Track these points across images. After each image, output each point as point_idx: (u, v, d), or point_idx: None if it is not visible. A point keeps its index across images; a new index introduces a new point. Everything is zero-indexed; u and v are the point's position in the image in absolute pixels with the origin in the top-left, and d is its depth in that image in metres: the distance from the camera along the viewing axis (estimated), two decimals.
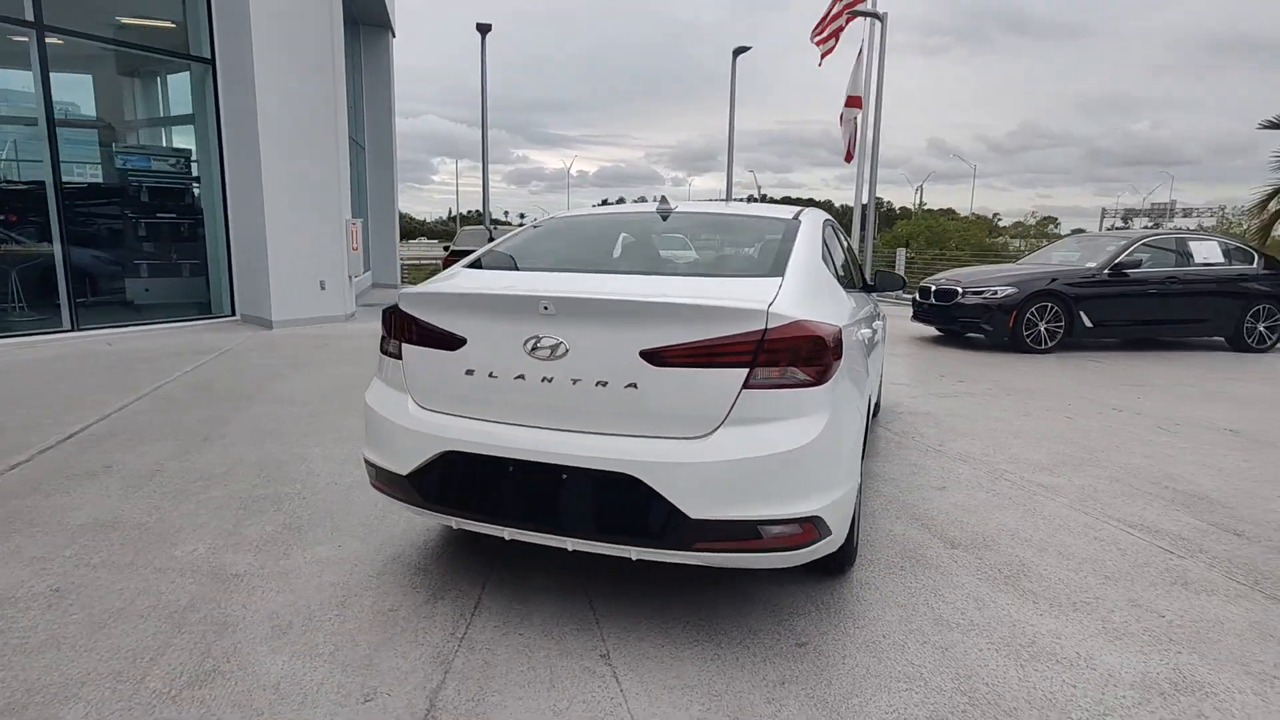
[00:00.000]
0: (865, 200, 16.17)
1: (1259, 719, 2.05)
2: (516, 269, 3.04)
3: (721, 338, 2.17)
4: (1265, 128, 13.06)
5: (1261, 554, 3.15)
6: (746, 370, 2.17)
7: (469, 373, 2.42)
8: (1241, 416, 5.67)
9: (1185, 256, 9.15)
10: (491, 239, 11.10)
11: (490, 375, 2.38)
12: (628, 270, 2.88)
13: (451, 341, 2.45)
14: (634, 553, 2.25)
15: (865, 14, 16.02)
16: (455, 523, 2.50)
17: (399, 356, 2.61)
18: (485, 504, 2.37)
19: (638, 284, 2.50)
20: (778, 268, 2.59)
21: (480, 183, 19.99)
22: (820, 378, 2.22)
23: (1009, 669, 2.28)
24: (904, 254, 17.84)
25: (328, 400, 5.60)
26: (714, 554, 2.21)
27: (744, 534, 2.15)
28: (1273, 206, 13.11)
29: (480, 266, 3.02)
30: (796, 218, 3.22)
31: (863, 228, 15.77)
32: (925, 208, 63.93)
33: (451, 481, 2.41)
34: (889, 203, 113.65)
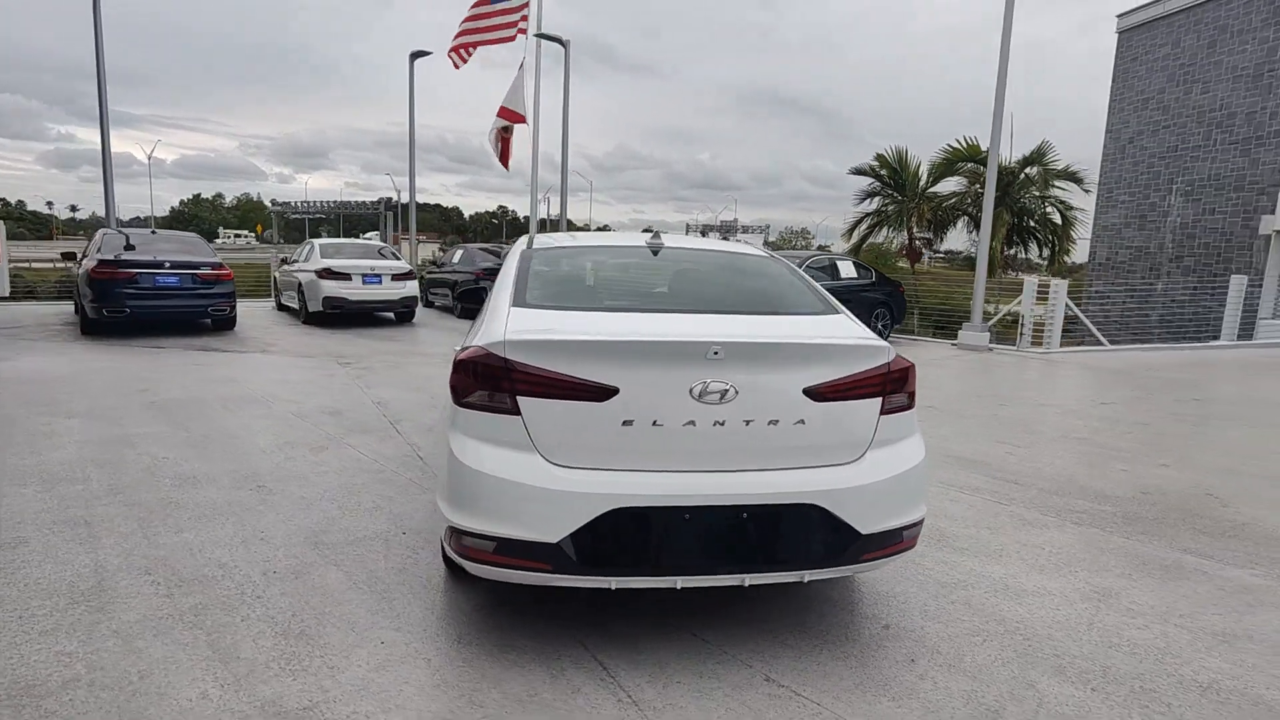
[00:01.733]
0: (554, 215, 17.13)
1: (1152, 603, 3.11)
2: (579, 309, 2.84)
3: (864, 372, 2.49)
4: (854, 174, 17.43)
5: (1041, 495, 4.51)
6: (880, 399, 2.52)
7: (627, 424, 2.32)
8: (923, 395, 7.70)
9: (835, 272, 11.85)
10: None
11: (654, 424, 2.32)
12: (708, 309, 2.92)
13: (600, 392, 2.31)
14: (808, 576, 2.43)
15: (550, 38, 16.90)
16: (615, 583, 2.35)
17: (513, 411, 2.34)
18: (659, 558, 2.31)
19: (753, 325, 2.65)
20: (832, 305, 2.96)
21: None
22: (912, 401, 2.67)
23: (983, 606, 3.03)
24: None
25: None
26: (874, 562, 2.52)
27: (894, 540, 2.51)
28: (859, 232, 17.52)
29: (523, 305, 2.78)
30: (775, 254, 3.60)
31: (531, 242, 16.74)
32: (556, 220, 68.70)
33: (618, 540, 2.29)
34: (514, 212, 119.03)
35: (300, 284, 12.57)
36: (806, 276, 3.31)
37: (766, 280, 3.21)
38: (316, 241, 13.36)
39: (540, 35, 16.85)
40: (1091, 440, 5.98)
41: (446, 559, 3.04)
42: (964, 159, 15.96)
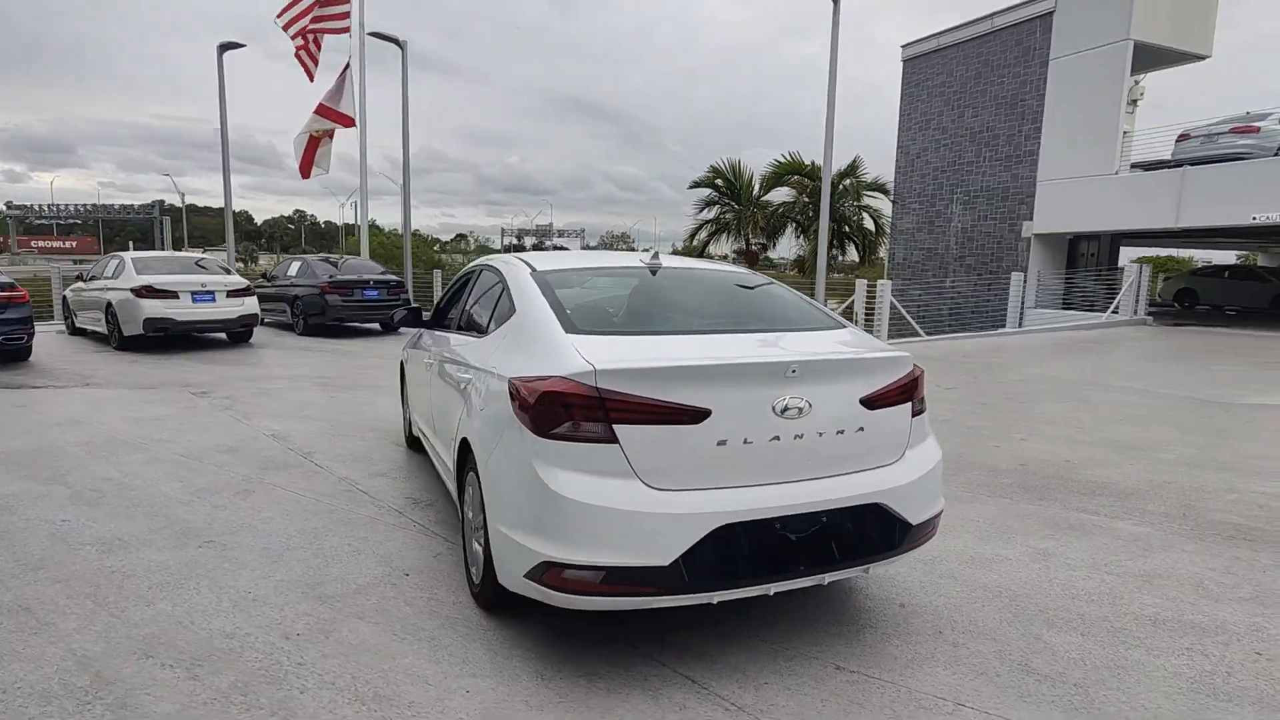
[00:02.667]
0: (411, 220, 16.34)
1: (1082, 557, 3.74)
2: (636, 333, 2.84)
3: (900, 379, 2.79)
4: (692, 187, 18.38)
5: (949, 473, 5.15)
6: (910, 403, 2.83)
7: (721, 444, 2.42)
8: None
9: None
10: None
11: (745, 442, 2.44)
12: (749, 329, 3.04)
13: (695, 415, 2.39)
14: (871, 567, 2.68)
15: (385, 38, 16.04)
16: (717, 598, 2.44)
17: (610, 440, 2.36)
18: (756, 567, 2.44)
19: (799, 341, 2.85)
20: (837, 319, 3.24)
21: None
22: (924, 404, 3.02)
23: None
24: (440, 275, 18.51)
25: None
26: (917, 549, 2.81)
27: (931, 528, 2.83)
28: (700, 239, 18.46)
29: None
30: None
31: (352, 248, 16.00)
32: (373, 224, 64.97)
33: (723, 555, 2.38)
34: (313, 217, 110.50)
35: (110, 304, 10.93)
36: (799, 294, 3.58)
37: (776, 298, 3.42)
38: (127, 255, 11.69)
39: (375, 34, 15.96)
40: (956, 421, 6.88)
41: (481, 596, 2.94)
42: (791, 172, 17.41)
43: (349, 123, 17.82)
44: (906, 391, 2.81)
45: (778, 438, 2.49)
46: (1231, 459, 5.67)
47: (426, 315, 4.92)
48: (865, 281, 14.39)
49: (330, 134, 16.65)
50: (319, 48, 16.49)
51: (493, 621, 2.90)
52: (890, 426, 2.75)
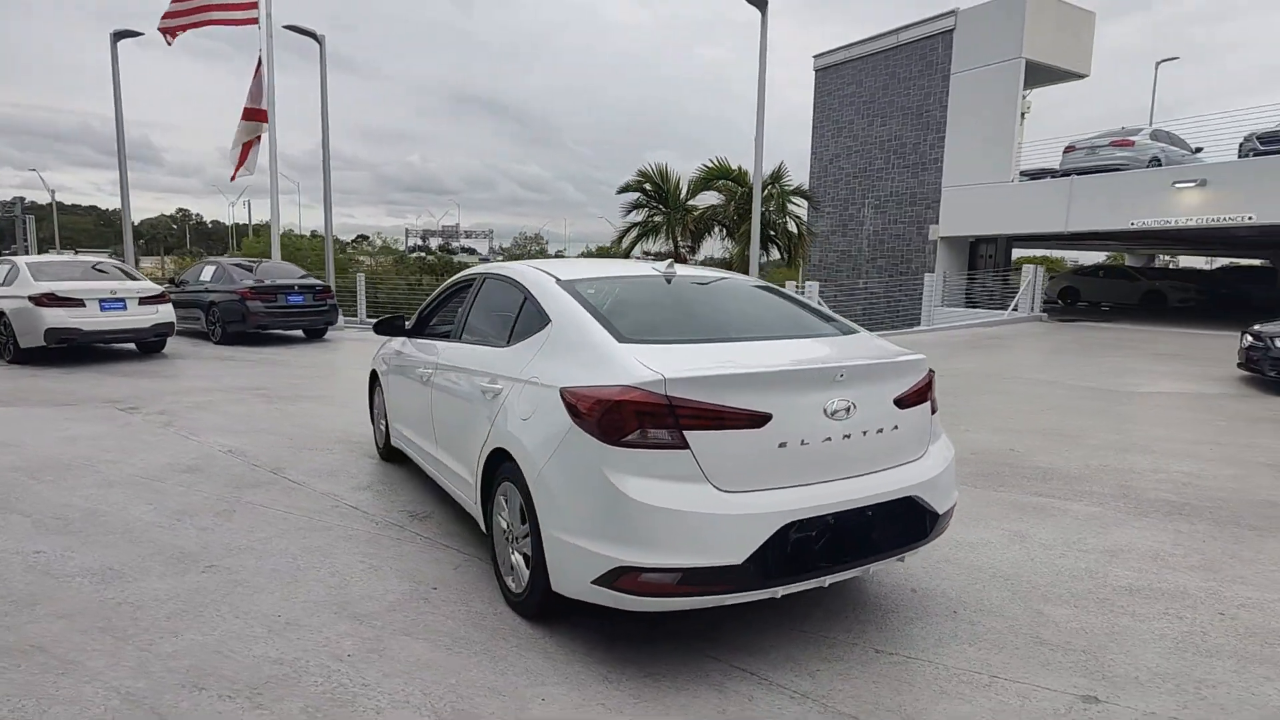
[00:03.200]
0: (332, 220, 15.66)
1: (1052, 537, 4.10)
2: (685, 342, 2.91)
3: (922, 379, 3.01)
4: (621, 191, 18.51)
5: None
6: (929, 402, 3.06)
7: (781, 445, 2.55)
8: None
9: None
10: None
11: (802, 443, 2.58)
12: (780, 336, 3.15)
13: (758, 420, 2.51)
14: (905, 555, 2.88)
15: (302, 32, 15.35)
16: (781, 592, 2.56)
17: (681, 446, 2.44)
18: (817, 560, 2.58)
19: (839, 346, 3.03)
20: (850, 325, 3.44)
21: None
22: (936, 402, 3.26)
23: None
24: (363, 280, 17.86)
25: None
26: (939, 537, 3.03)
27: (950, 518, 3.06)
28: (629, 240, 18.63)
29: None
30: (770, 283, 4.00)
31: (242, 249, 15.35)
32: (261, 224, 61.91)
33: (788, 551, 2.51)
34: (197, 215, 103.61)
35: (4, 314, 10.00)
36: (804, 300, 3.76)
37: (793, 306, 3.58)
38: (21, 260, 10.69)
39: (291, 28, 15.24)
40: None
41: (525, 605, 2.96)
42: (718, 176, 17.87)
43: (264, 118, 17.03)
44: (925, 391, 3.03)
45: (829, 438, 2.65)
46: (1146, 442, 6.30)
47: (408, 323, 4.85)
48: (794, 283, 14.94)
49: (258, 137, 15.84)
50: (190, 28, 15.63)
51: (540, 630, 2.92)
52: (917, 424, 2.96)
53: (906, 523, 2.83)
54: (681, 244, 17.77)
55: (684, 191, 17.97)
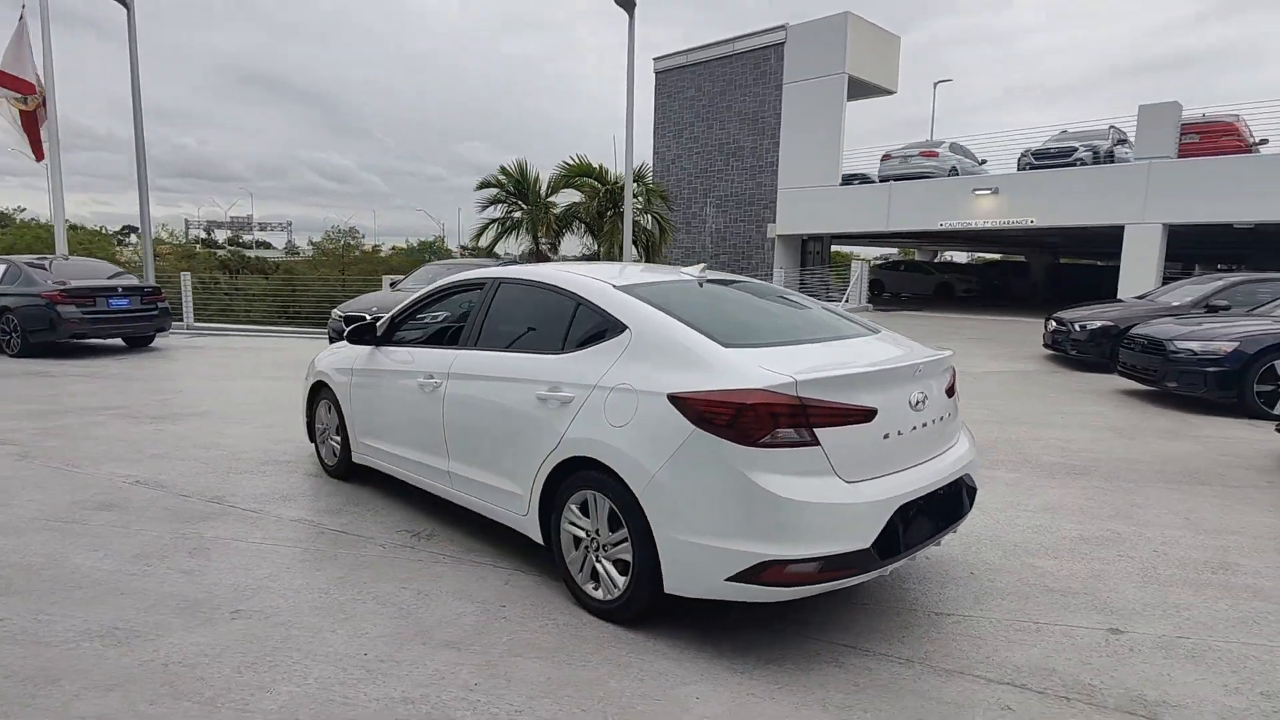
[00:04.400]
0: (148, 209, 13.72)
1: (1050, 502, 4.76)
2: (774, 345, 3.04)
3: (953, 373, 3.40)
4: (480, 188, 17.97)
5: None
6: (954, 394, 3.47)
7: (885, 436, 2.80)
8: None
9: None
10: None
11: (898, 433, 2.85)
12: (846, 336, 3.37)
13: (868, 414, 2.74)
14: (959, 526, 3.25)
15: None
16: (891, 569, 2.80)
17: (814, 443, 2.61)
18: (916, 537, 2.86)
19: (896, 343, 3.35)
20: (874, 327, 3.76)
21: None
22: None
23: None
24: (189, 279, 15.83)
25: None
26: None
27: (975, 494, 3.49)
28: (488, 237, 18.18)
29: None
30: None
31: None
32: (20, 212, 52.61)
33: (899, 531, 2.76)
34: None
35: None
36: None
37: (819, 308, 3.84)
38: None
39: None
40: None
41: (622, 611, 2.97)
42: (581, 174, 17.94)
43: (30, 89, 14.57)
44: (953, 382, 3.43)
45: (915, 427, 2.94)
46: (1014, 415, 7.39)
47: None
48: None
49: (42, 104, 13.47)
50: None
51: (639, 634, 2.94)
52: (956, 411, 3.35)
53: (959, 499, 3.20)
54: (543, 241, 17.67)
55: (543, 188, 17.86)
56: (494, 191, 17.83)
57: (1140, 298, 12.50)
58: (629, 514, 2.87)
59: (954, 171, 20.00)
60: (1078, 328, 10.92)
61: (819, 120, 21.10)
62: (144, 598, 3.15)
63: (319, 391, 5.12)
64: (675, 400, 2.75)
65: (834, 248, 33.68)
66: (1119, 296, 15.14)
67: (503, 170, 17.56)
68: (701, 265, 3.87)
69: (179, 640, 2.79)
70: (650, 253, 18.23)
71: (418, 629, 2.94)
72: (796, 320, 3.57)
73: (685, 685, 2.58)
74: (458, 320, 4.17)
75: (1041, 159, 18.15)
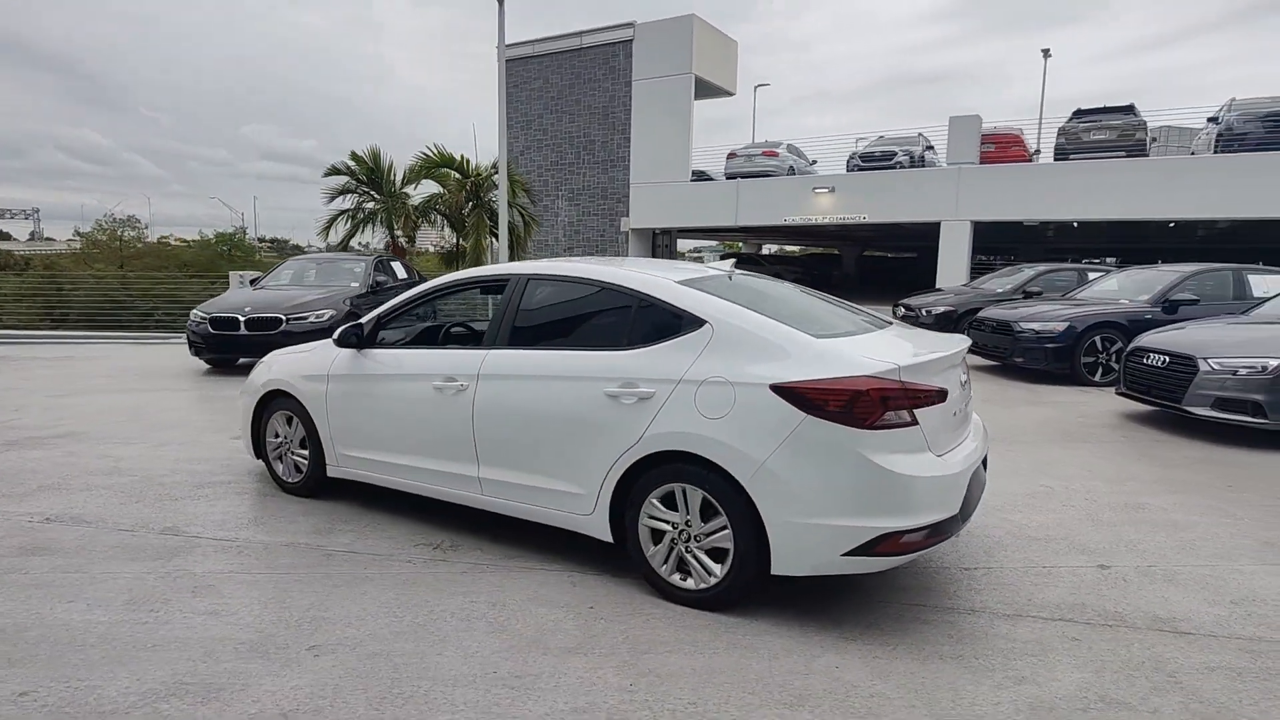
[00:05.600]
0: None
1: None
2: (846, 335, 3.27)
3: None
4: (329, 174, 16.58)
5: None
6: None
7: (954, 414, 3.12)
8: None
9: (393, 272, 11.69)
10: None
11: (955, 413, 3.19)
12: (883, 327, 3.61)
13: (944, 395, 3.04)
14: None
15: None
16: (953, 537, 3.12)
17: (914, 423, 2.87)
18: (975, 501, 3.21)
19: (925, 334, 3.67)
20: (888, 319, 4.10)
21: None
22: None
23: None
24: None
25: None
26: None
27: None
28: (342, 230, 16.87)
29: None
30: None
31: None
32: None
33: (970, 498, 3.09)
34: None
35: None
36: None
37: (840, 301, 4.11)
38: None
39: None
40: None
41: (707, 598, 3.06)
42: (441, 165, 17.12)
43: None
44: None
45: (962, 405, 3.30)
46: None
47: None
48: None
49: None
50: None
51: (738, 617, 3.04)
52: (970, 386, 3.78)
53: (984, 466, 3.63)
54: (399, 234, 16.72)
55: (398, 179, 16.88)
56: (344, 180, 16.57)
57: (966, 285, 14.35)
58: (728, 502, 2.96)
59: (791, 171, 21.59)
60: (925, 312, 12.35)
61: (668, 117, 21.82)
62: (185, 647, 2.74)
63: (270, 403, 4.62)
64: (781, 390, 2.88)
65: (686, 244, 35.27)
66: (938, 285, 17.23)
67: (354, 157, 16.36)
68: (732, 260, 4.02)
69: (274, 686, 2.48)
70: (515, 247, 17.87)
71: (524, 640, 2.83)
72: (838, 312, 3.81)
73: (817, 658, 2.74)
74: (471, 319, 3.97)
75: (868, 161, 20.14)
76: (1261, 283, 9.37)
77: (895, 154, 19.96)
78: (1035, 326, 9.11)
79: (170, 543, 3.81)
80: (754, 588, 3.02)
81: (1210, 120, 17.21)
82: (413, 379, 3.90)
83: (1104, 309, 9.21)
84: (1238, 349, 6.25)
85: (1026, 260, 18.93)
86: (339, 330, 4.25)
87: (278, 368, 4.63)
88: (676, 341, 3.20)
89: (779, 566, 2.92)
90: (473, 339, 4.56)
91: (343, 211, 16.84)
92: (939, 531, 2.91)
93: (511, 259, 20.74)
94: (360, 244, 16.71)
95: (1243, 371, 6.02)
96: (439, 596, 3.21)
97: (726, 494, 2.97)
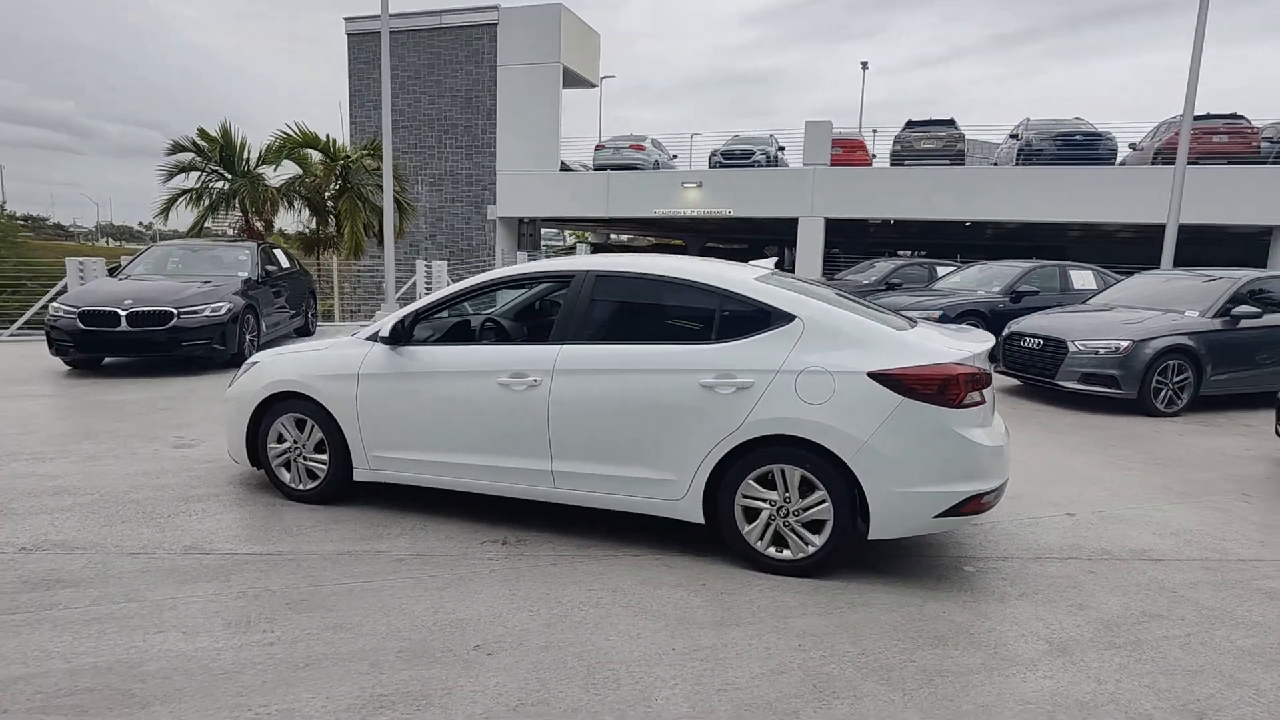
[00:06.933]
0: None
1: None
2: (906, 326, 3.66)
3: None
4: (173, 152, 14.68)
5: None
6: None
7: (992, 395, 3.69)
8: None
9: (275, 260, 10.78)
10: None
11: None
12: (915, 318, 4.08)
13: (990, 379, 3.59)
14: None
15: None
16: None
17: (983, 401, 3.39)
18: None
19: (950, 329, 4.19)
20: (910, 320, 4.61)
21: None
22: None
23: None
24: None
25: None
26: None
27: None
28: (183, 211, 15.05)
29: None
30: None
31: None
32: None
33: None
34: None
35: None
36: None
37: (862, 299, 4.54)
38: None
39: None
40: None
41: (808, 565, 3.41)
42: (305, 145, 15.74)
43: None
44: None
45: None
46: None
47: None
48: (424, 262, 14.64)
49: None
50: None
51: (833, 580, 3.40)
52: None
53: None
54: (255, 218, 15.25)
55: (253, 158, 15.35)
56: (189, 157, 14.80)
57: (832, 278, 15.74)
58: (827, 478, 3.32)
59: (657, 165, 22.29)
60: None
61: (537, 106, 21.62)
62: (344, 661, 2.62)
63: (274, 405, 4.30)
64: (879, 377, 3.27)
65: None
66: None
67: (201, 133, 14.63)
68: (774, 259, 4.33)
69: (475, 686, 2.47)
70: (396, 233, 16.91)
71: (672, 619, 3.00)
72: (876, 310, 4.27)
73: (922, 607, 3.17)
74: (531, 314, 3.99)
75: (729, 159, 21.29)
76: (1078, 276, 11.32)
77: (754, 153, 21.27)
78: (914, 315, 10.33)
79: (208, 562, 3.50)
80: (844, 554, 3.41)
81: (1011, 136, 20.08)
82: (472, 376, 3.86)
83: (968, 299, 10.63)
84: (1095, 332, 7.60)
85: (845, 255, 20.96)
86: (373, 326, 4.07)
87: (283, 368, 4.32)
88: (770, 335, 3.49)
89: (877, 532, 3.32)
90: (503, 333, 4.55)
91: (185, 191, 15.06)
92: (999, 493, 3.46)
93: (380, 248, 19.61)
94: (217, 230, 15.07)
95: (1102, 351, 7.34)
96: (553, 589, 3.27)
97: (826, 471, 3.32)
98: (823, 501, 3.35)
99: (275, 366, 4.36)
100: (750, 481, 3.45)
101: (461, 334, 4.39)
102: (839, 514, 3.34)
